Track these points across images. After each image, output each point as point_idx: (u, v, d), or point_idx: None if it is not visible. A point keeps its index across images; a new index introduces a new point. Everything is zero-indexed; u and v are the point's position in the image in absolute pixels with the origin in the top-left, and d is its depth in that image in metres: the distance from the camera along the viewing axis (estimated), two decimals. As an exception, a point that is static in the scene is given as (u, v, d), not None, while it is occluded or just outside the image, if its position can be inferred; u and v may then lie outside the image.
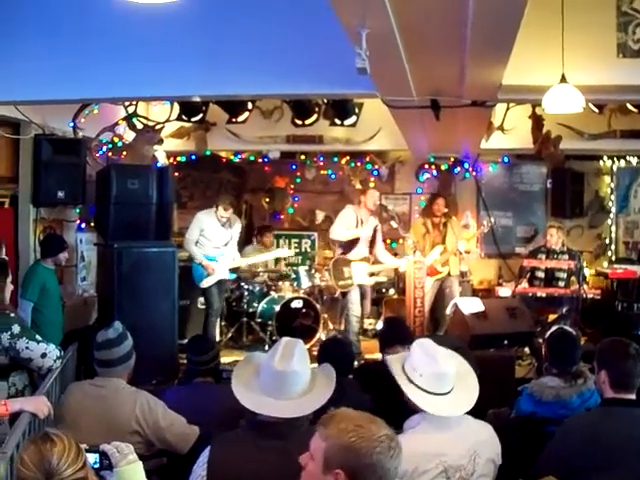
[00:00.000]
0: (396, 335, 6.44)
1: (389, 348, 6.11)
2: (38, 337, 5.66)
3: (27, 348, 5.51)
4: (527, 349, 9.95)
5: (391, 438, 3.04)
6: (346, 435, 3.02)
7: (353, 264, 11.05)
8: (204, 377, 6.07)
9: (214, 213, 11.01)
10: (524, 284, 11.22)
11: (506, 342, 9.31)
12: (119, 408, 4.97)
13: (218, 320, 11.47)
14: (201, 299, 11.52)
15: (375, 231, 11.28)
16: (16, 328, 5.51)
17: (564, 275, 11.20)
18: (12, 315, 5.74)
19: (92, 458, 3.20)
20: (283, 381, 3.90)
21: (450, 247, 11.68)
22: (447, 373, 4.15)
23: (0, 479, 3.48)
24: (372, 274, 11.37)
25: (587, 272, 12.50)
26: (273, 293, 12.02)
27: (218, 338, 11.34)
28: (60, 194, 9.75)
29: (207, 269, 10.92)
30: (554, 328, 6.20)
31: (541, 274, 11.24)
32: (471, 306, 9.77)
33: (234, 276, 11.75)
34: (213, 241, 11.05)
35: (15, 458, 3.78)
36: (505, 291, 11.92)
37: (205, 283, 11.00)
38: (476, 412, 4.30)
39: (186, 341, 8.69)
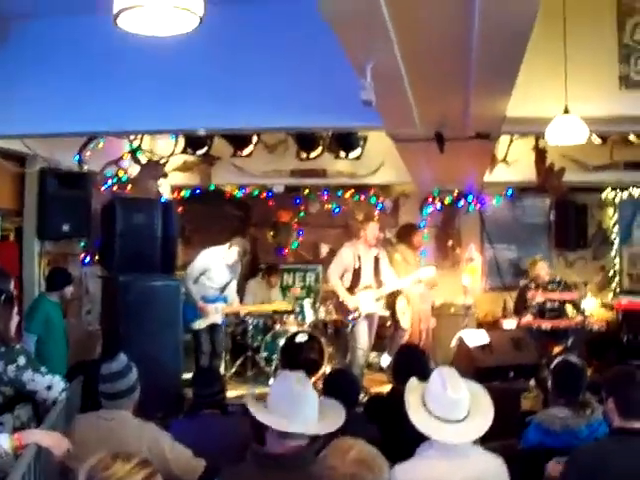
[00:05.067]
0: (412, 367, 6.10)
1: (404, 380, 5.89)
2: (43, 369, 5.64)
3: (33, 380, 5.50)
4: (532, 381, 9.91)
5: (362, 467, 3.11)
6: (317, 466, 3.05)
7: (359, 294, 10.88)
8: (211, 409, 6.07)
9: (224, 253, 10.96)
10: (528, 316, 11.20)
11: (511, 374, 9.29)
12: (125, 440, 4.95)
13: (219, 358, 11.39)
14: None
15: (377, 260, 11.17)
16: (22, 360, 5.50)
17: (556, 306, 11.19)
18: (17, 347, 5.72)
19: None
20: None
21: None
22: (460, 401, 4.16)
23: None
24: (379, 299, 11.24)
25: (593, 303, 12.50)
26: (277, 327, 11.99)
27: (223, 372, 11.30)
28: (65, 227, 9.80)
29: (203, 310, 10.83)
30: (559, 359, 6.18)
31: (534, 307, 11.22)
32: (476, 339, 9.75)
33: (226, 322, 11.64)
34: (215, 282, 11.01)
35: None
36: (510, 323, 11.89)
37: (197, 325, 10.89)
38: (482, 444, 4.30)
39: (190, 375, 8.67)
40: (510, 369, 9.30)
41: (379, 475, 3.08)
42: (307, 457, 3.68)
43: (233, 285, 11.41)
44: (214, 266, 10.91)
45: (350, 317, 10.83)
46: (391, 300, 11.67)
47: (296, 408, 3.90)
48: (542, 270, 11.42)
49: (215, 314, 11.03)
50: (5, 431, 4.69)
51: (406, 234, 12.52)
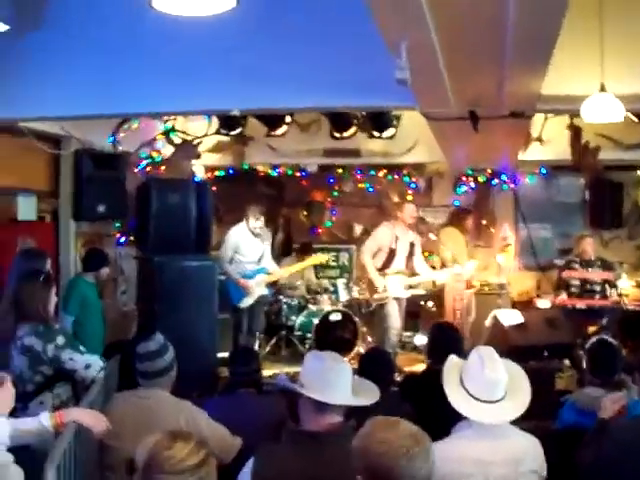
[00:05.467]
0: (447, 345, 6.03)
1: (439, 358, 5.80)
2: (82, 348, 5.73)
3: (71, 359, 5.58)
4: (567, 361, 9.87)
5: (412, 440, 3.04)
6: (362, 440, 3.05)
7: (388, 277, 10.94)
8: (247, 388, 6.11)
9: (245, 226, 11.03)
10: (563, 295, 11.16)
11: (546, 354, 9.27)
12: (163, 418, 4.99)
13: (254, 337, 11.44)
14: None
15: (412, 245, 11.20)
16: (61, 339, 5.58)
17: (598, 287, 11.18)
18: (56, 327, 5.82)
19: None
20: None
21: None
22: (498, 381, 4.16)
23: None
24: (410, 287, 11.28)
25: (627, 283, 12.41)
26: (311, 306, 12.04)
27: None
28: (100, 208, 9.86)
29: (245, 288, 10.91)
30: (594, 339, 6.16)
31: (576, 286, 11.20)
32: (510, 318, 9.74)
33: (271, 292, 11.75)
34: (248, 256, 11.04)
35: (62, 467, 3.82)
36: (544, 303, 11.88)
37: (244, 303, 10.97)
38: (517, 424, 4.30)
39: (225, 354, 8.71)
40: (545, 348, 9.28)
41: (429, 450, 3.08)
42: (344, 433, 3.69)
43: (267, 254, 11.44)
44: (242, 241, 10.99)
45: (376, 296, 10.89)
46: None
47: (330, 382, 3.92)
48: (588, 246, 11.41)
49: (258, 287, 11.08)
50: (45, 410, 4.75)
51: (458, 218, 12.50)
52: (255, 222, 10.95)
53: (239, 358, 6.50)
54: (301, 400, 3.97)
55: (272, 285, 11.69)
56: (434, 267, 12.25)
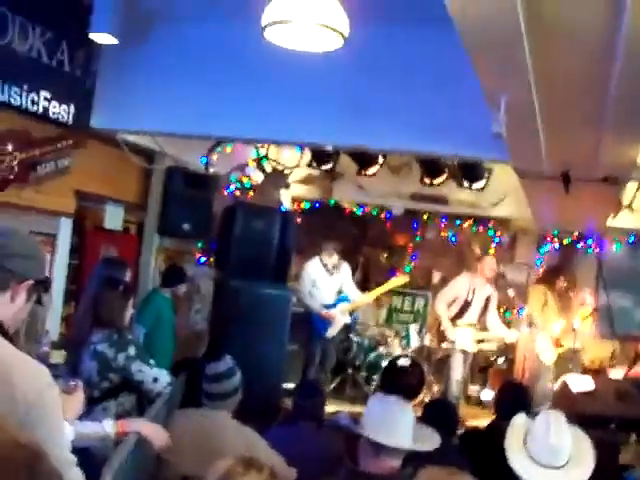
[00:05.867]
0: (515, 403, 6.17)
1: (505, 414, 5.60)
2: (152, 362, 5.80)
3: (140, 371, 5.66)
4: (634, 435, 9.69)
5: None
6: None
7: (458, 328, 10.95)
8: (308, 421, 6.12)
9: (319, 261, 11.12)
10: (638, 368, 11.00)
11: (613, 425, 9.11)
12: (223, 440, 5.03)
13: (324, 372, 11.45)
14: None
15: (488, 299, 11.17)
16: (132, 350, 5.67)
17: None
18: (130, 337, 5.91)
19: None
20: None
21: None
22: (562, 448, 4.10)
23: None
24: (480, 341, 11.24)
25: None
26: (381, 348, 12.01)
27: (323, 386, 11.38)
28: (185, 226, 9.98)
29: (328, 317, 11.00)
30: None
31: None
32: (581, 384, 9.60)
33: (357, 317, 11.80)
34: (324, 290, 11.13)
35: (118, 475, 3.87)
36: (617, 373, 11.68)
37: (330, 334, 11.08)
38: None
39: (290, 385, 8.73)
40: (612, 420, 9.12)
41: None
42: (404, 478, 3.69)
43: (348, 283, 11.50)
44: (318, 276, 11.11)
45: (443, 346, 10.88)
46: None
47: (392, 425, 3.92)
48: None
49: (341, 316, 11.18)
50: (107, 417, 4.83)
51: (550, 277, 12.42)
52: (328, 259, 11.04)
53: (304, 390, 6.55)
54: (361, 441, 3.98)
55: (353, 313, 11.76)
56: (509, 323, 12.17)
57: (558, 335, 11.67)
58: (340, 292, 11.24)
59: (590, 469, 4.16)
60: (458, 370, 10.94)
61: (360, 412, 4.27)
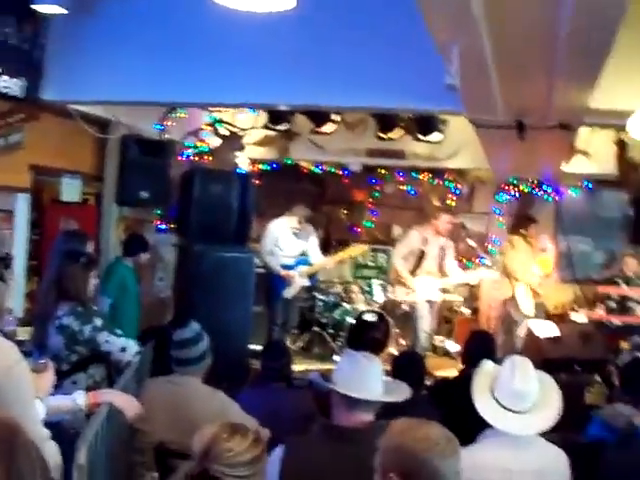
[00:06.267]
0: (485, 351, 6.32)
1: (474, 364, 5.84)
2: (118, 332, 5.80)
3: (107, 342, 5.65)
4: (598, 376, 9.83)
5: (445, 438, 3.05)
6: (396, 437, 3.06)
7: (418, 278, 11.08)
8: (277, 382, 6.16)
9: (286, 221, 11.15)
10: (599, 310, 11.19)
11: (578, 368, 9.24)
12: (193, 406, 5.05)
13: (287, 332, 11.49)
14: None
15: (443, 249, 11.30)
16: (98, 321, 5.66)
17: (638, 305, 11.19)
18: (95, 308, 5.90)
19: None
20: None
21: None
22: (528, 392, 4.16)
23: (82, 467, 3.57)
24: (445, 290, 11.36)
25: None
26: (346, 305, 12.05)
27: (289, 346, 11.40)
28: (143, 194, 9.92)
29: (287, 278, 11.02)
30: (628, 356, 6.16)
31: (614, 302, 11.24)
32: (545, 330, 9.71)
33: (315, 281, 11.84)
34: (286, 251, 11.14)
35: (92, 447, 3.88)
36: (579, 317, 11.83)
37: (287, 293, 11.09)
38: (544, 436, 4.30)
39: (258, 346, 8.76)
40: (577, 362, 9.24)
41: (459, 452, 3.10)
42: (374, 432, 3.71)
43: (314, 249, 11.54)
44: (282, 235, 11.11)
45: (406, 298, 11.03)
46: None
47: (362, 380, 3.96)
48: (631, 264, 11.53)
49: (300, 278, 11.19)
50: (78, 389, 4.81)
51: (520, 226, 12.47)
52: (295, 221, 11.05)
53: (271, 352, 6.59)
54: (333, 397, 4.01)
55: (312, 276, 11.76)
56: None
57: (536, 284, 11.76)
58: (303, 254, 11.24)
59: (556, 411, 4.22)
60: (425, 321, 11.08)
61: (329, 369, 4.31)
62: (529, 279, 11.62)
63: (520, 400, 4.15)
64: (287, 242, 11.13)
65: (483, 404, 4.21)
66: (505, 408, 4.16)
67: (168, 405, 5.07)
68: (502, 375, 4.25)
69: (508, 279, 11.54)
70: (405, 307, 11.23)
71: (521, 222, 12.49)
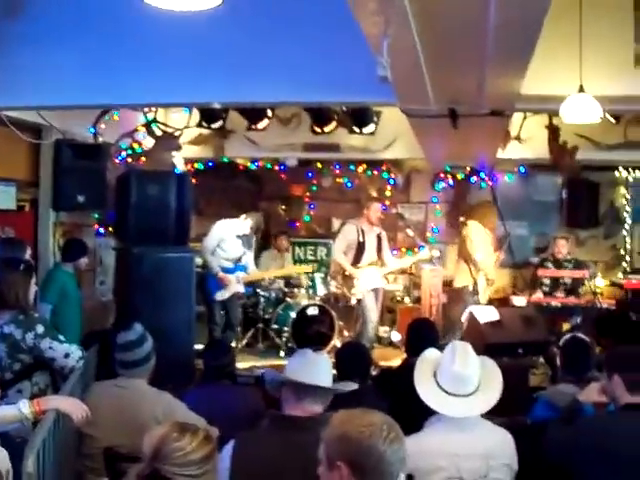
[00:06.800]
0: (427, 339, 6.43)
1: (416, 352, 5.69)
2: (61, 337, 5.76)
3: (50, 348, 5.61)
4: (541, 358, 9.97)
5: (388, 425, 3.09)
6: (340, 427, 3.10)
7: (362, 270, 11.19)
8: (221, 380, 6.19)
9: (238, 224, 11.08)
10: (538, 293, 11.37)
11: (521, 351, 9.36)
12: (140, 408, 5.04)
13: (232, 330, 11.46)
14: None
15: (379, 239, 11.43)
16: (40, 328, 5.61)
17: (570, 286, 11.42)
18: (36, 315, 5.84)
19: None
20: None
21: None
22: (469, 375, 4.23)
23: (31, 475, 3.55)
24: (387, 280, 11.50)
25: (602, 282, 12.58)
26: (289, 300, 12.07)
27: (233, 344, 11.36)
28: (80, 198, 9.87)
29: (223, 281, 10.95)
30: (568, 336, 6.26)
31: (547, 285, 11.48)
32: (486, 315, 9.81)
33: (249, 290, 11.84)
34: (228, 252, 11.08)
35: (41, 454, 3.87)
36: (520, 300, 11.99)
37: (220, 296, 10.99)
38: (491, 419, 4.38)
39: (201, 346, 8.75)
40: (519, 346, 9.35)
41: (403, 437, 3.14)
42: (323, 422, 3.75)
43: (250, 257, 11.53)
44: (228, 237, 11.03)
45: (354, 291, 11.08)
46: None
47: (312, 371, 4.01)
48: (562, 246, 11.73)
49: (236, 284, 11.11)
50: (23, 398, 4.78)
51: (477, 212, 12.58)
52: (248, 227, 11.03)
53: (212, 351, 6.64)
54: (284, 389, 4.05)
55: (249, 284, 11.75)
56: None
57: (493, 272, 11.91)
58: (239, 260, 11.21)
59: (497, 394, 4.29)
60: (373, 311, 11.20)
61: (276, 365, 4.36)
62: (488, 266, 11.76)
63: (462, 384, 4.22)
64: (231, 245, 11.06)
65: (425, 390, 4.28)
66: (447, 393, 4.22)
67: (115, 409, 5.05)
68: (444, 361, 4.32)
69: (467, 266, 11.65)
70: (352, 299, 11.22)
71: (479, 209, 12.66)
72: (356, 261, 11.22)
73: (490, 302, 12.16)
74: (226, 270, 11.00)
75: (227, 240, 11.03)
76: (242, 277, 11.24)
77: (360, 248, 11.23)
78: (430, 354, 4.56)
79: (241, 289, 11.31)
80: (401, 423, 3.19)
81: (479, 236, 11.95)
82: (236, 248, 11.12)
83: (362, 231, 11.23)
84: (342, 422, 3.10)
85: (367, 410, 3.17)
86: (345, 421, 3.10)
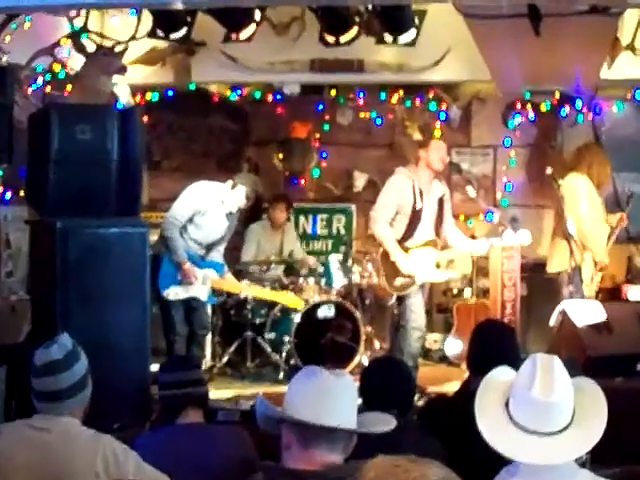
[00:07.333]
0: (500, 351, 6.32)
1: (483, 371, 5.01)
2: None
3: None
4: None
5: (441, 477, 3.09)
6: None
7: (413, 253, 10.98)
8: (190, 410, 6.15)
9: (225, 193, 11.11)
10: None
11: (639, 367, 9.37)
12: (71, 461, 5.04)
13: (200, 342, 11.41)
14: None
15: (442, 202, 11.24)
16: None
17: None
18: None
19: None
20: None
21: None
22: (557, 404, 4.18)
23: None
24: (439, 265, 11.30)
25: None
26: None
27: (209, 363, 11.36)
28: (-28, 149, 9.89)
29: (186, 275, 10.87)
30: None
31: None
32: (587, 314, 9.81)
33: (214, 301, 11.79)
34: (203, 232, 11.09)
35: None
36: (637, 292, 11.96)
37: (172, 294, 10.94)
38: (596, 468, 4.36)
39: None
40: (638, 359, 9.37)
41: None
42: (342, 476, 3.75)
43: (221, 249, 11.55)
44: (209, 209, 11.02)
45: (398, 283, 10.87)
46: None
47: (324, 405, 3.97)
48: None
49: (201, 285, 11.09)
50: None
51: (577, 161, 12.42)
52: (242, 198, 10.95)
53: (169, 371, 6.55)
54: (284, 430, 4.03)
55: (218, 293, 11.70)
56: (474, 236, 12.29)
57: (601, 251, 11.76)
58: (213, 246, 11.18)
59: (600, 431, 4.22)
60: (420, 314, 11.03)
61: (270, 392, 4.35)
62: (598, 243, 11.63)
63: (546, 417, 4.14)
64: (210, 221, 11.08)
65: (491, 426, 4.20)
66: (525, 430, 4.16)
67: (30, 461, 5.06)
68: (519, 383, 4.25)
69: (567, 244, 11.38)
70: (392, 298, 11.10)
71: (580, 156, 12.44)
72: (406, 237, 11.03)
73: (595, 295, 12.14)
74: (193, 260, 10.99)
75: (207, 213, 10.99)
76: (211, 279, 11.22)
77: (415, 216, 11.01)
78: (500, 374, 4.50)
79: (203, 295, 11.23)
80: (462, 475, 3.19)
81: (585, 198, 11.77)
82: (216, 227, 11.15)
83: (420, 191, 10.98)
84: (378, 478, 3.10)
85: (414, 459, 3.17)
86: (382, 476, 3.10)
